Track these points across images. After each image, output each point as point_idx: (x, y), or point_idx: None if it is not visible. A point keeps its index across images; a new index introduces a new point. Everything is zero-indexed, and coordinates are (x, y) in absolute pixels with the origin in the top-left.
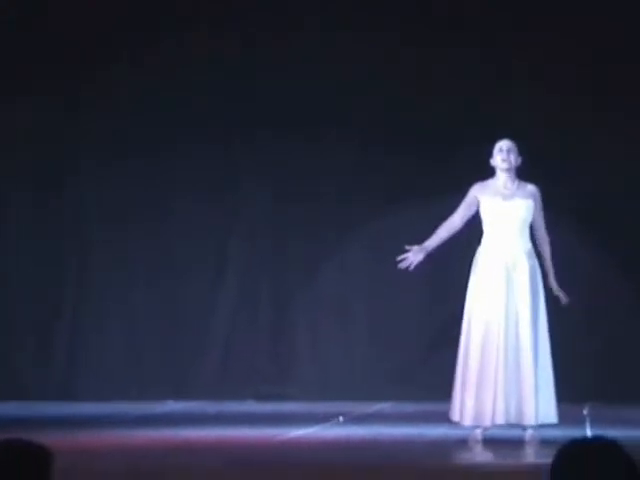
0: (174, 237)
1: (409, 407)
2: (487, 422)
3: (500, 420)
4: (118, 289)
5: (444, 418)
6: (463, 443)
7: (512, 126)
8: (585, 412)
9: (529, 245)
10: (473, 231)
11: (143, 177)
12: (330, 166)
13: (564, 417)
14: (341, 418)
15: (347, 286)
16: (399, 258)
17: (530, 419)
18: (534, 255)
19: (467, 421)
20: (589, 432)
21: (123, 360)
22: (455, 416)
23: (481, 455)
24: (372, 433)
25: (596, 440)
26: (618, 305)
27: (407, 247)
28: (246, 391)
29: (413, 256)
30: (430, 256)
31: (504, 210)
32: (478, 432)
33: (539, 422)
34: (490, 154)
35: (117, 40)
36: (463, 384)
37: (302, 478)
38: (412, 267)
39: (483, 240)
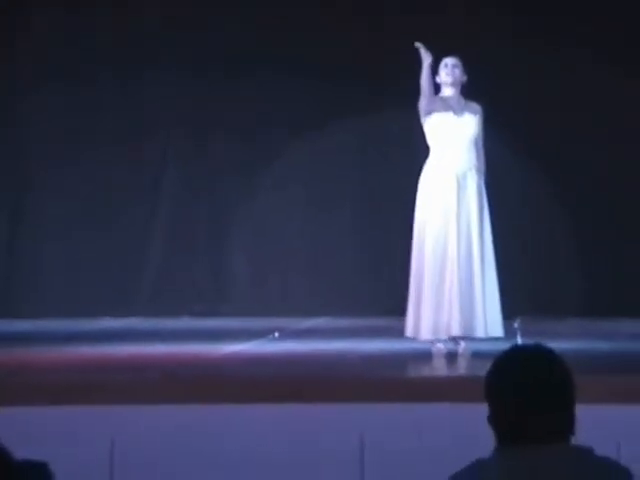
0: (110, 161)
1: (344, 322)
2: (443, 335)
3: (455, 332)
4: (55, 210)
5: (381, 333)
6: (401, 358)
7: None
8: (516, 325)
9: (476, 161)
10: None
11: (80, 106)
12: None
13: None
14: (277, 334)
15: (284, 203)
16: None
17: (480, 332)
18: (480, 171)
19: (424, 335)
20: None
21: (60, 279)
22: (409, 331)
23: (425, 368)
24: (308, 348)
25: (531, 347)
26: (548, 222)
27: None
28: (182, 308)
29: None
30: (373, 171)
31: (455, 125)
32: (441, 346)
33: (488, 335)
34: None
35: None
36: (418, 299)
37: (238, 392)
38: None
39: (432, 154)
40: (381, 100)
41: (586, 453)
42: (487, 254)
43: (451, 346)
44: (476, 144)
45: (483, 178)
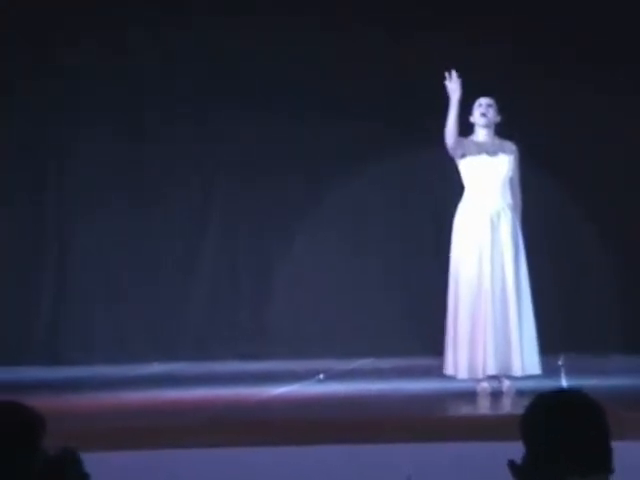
0: (153, 206)
1: (388, 363)
2: (480, 374)
3: (491, 371)
4: (100, 256)
5: (426, 372)
6: (447, 397)
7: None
8: (560, 363)
9: (510, 200)
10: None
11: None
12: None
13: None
14: (322, 376)
15: (321, 246)
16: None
17: (517, 370)
18: (515, 209)
19: (461, 374)
20: (564, 382)
21: (107, 326)
22: (449, 370)
23: (472, 407)
24: (353, 389)
25: (566, 391)
26: (590, 257)
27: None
28: (228, 352)
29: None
30: (408, 216)
31: (489, 166)
32: (486, 385)
33: (525, 373)
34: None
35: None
36: (455, 338)
37: (285, 435)
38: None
39: (466, 195)
40: (411, 138)
41: None
42: (523, 292)
43: (495, 385)
44: (511, 183)
45: (519, 216)
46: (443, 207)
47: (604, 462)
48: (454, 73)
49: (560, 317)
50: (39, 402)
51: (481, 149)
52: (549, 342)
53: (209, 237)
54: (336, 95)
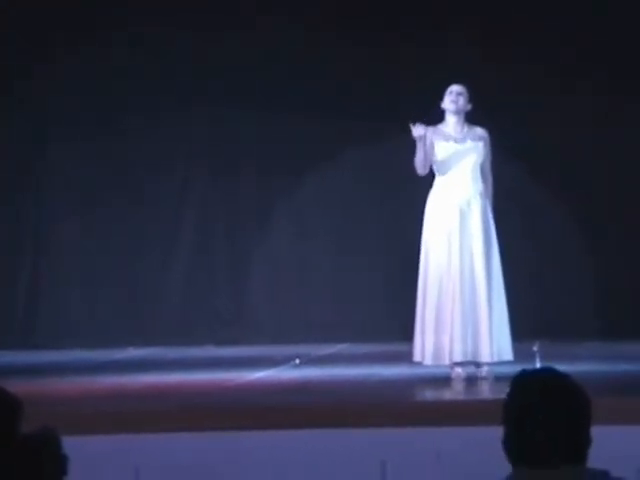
0: (129, 195)
1: (364, 348)
2: (446, 360)
3: (457, 357)
4: (77, 242)
5: (401, 357)
6: (420, 382)
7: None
8: (535, 349)
9: (481, 186)
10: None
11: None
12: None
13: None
14: (298, 360)
15: (301, 232)
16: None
17: (486, 356)
18: (485, 196)
19: (428, 360)
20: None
21: (83, 310)
22: (417, 356)
23: (444, 392)
24: (329, 374)
25: (546, 370)
26: (566, 244)
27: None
28: (205, 337)
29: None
30: (383, 202)
31: (457, 153)
32: (460, 371)
33: (495, 359)
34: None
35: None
36: (422, 325)
37: (260, 419)
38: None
39: (436, 183)
40: (389, 131)
41: (601, 476)
42: (494, 279)
43: (471, 370)
44: (482, 169)
45: (490, 203)
46: (423, 197)
47: (582, 448)
48: (418, 124)
49: (534, 303)
50: (15, 386)
51: (449, 137)
52: (524, 329)
53: (187, 223)
54: (318, 91)
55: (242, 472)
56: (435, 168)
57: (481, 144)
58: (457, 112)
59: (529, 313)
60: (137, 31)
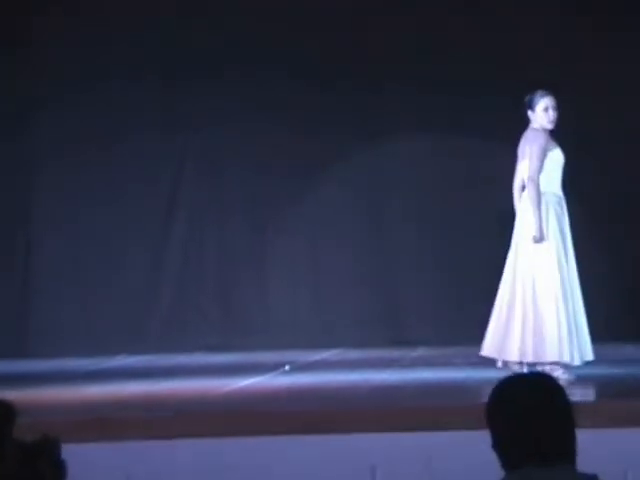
0: (120, 200)
1: (354, 354)
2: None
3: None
4: (68, 249)
5: (390, 363)
6: (409, 388)
7: None
8: None
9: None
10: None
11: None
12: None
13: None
14: (287, 367)
15: (291, 238)
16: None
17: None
18: None
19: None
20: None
21: (74, 318)
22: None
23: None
24: (318, 380)
25: (530, 375)
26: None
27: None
28: (194, 344)
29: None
30: (378, 208)
31: (561, 159)
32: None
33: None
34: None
35: None
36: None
37: (250, 425)
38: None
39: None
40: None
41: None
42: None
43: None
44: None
45: None
46: (411, 201)
47: (569, 449)
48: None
49: None
50: (7, 394)
51: (555, 144)
52: None
53: (176, 228)
54: (309, 87)
55: (233, 478)
56: (548, 172)
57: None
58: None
59: None
60: (120, 31)
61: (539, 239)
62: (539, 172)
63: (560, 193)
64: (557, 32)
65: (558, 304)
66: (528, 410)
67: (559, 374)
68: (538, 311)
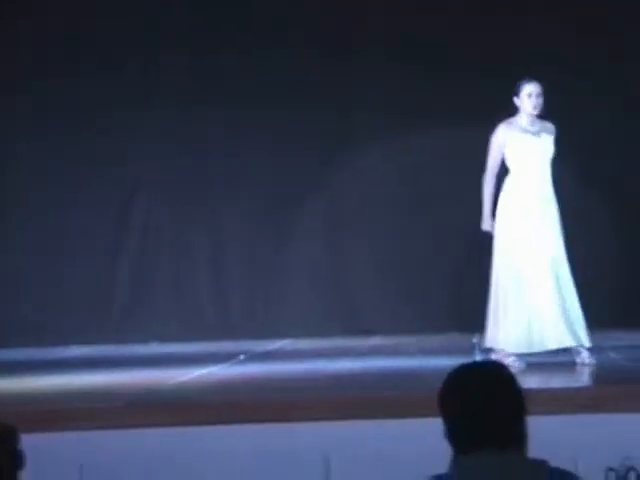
0: (78, 191)
1: (308, 343)
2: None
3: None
4: (20, 239)
5: (345, 352)
6: (363, 377)
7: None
8: (474, 341)
9: (551, 180)
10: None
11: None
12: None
13: (454, 347)
14: (242, 357)
15: (246, 227)
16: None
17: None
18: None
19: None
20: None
21: (24, 309)
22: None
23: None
24: (272, 369)
25: (481, 363)
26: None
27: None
28: (149, 334)
29: (489, 227)
30: (333, 200)
31: (534, 146)
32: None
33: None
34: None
35: None
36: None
37: (204, 415)
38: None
39: (511, 177)
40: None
41: (540, 464)
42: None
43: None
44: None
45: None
46: (369, 194)
47: (520, 435)
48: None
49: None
50: None
51: (525, 130)
52: (470, 321)
53: (133, 220)
54: (280, 85)
55: (185, 468)
56: (510, 163)
57: (553, 137)
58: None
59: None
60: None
61: (484, 227)
62: (489, 167)
63: (537, 179)
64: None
65: (501, 289)
66: (479, 397)
67: (509, 361)
68: (490, 297)
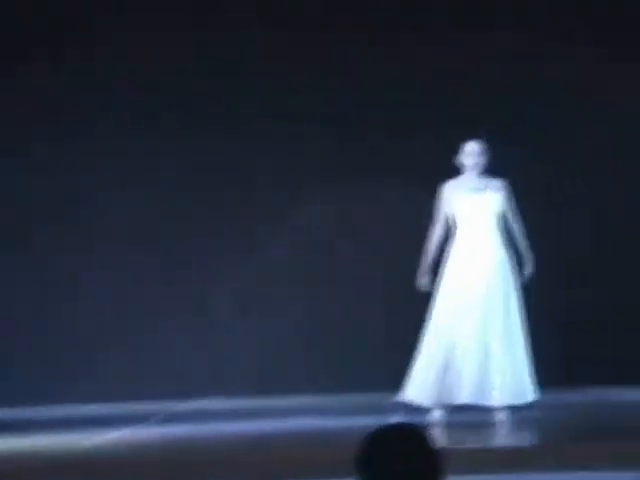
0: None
1: (226, 403)
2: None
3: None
4: None
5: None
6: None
7: None
8: (397, 399)
9: (499, 237)
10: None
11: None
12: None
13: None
14: (155, 419)
15: (170, 290)
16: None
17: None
18: (503, 246)
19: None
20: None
21: None
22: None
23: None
24: (188, 431)
25: (399, 426)
26: None
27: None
28: (65, 394)
29: (424, 285)
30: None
31: (477, 204)
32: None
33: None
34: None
35: None
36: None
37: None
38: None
39: (457, 235)
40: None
41: None
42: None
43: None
44: (509, 219)
45: (508, 251)
46: (321, 237)
47: None
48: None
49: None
50: None
51: (469, 189)
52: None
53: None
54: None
55: None
56: (456, 221)
57: (501, 194)
58: (478, 171)
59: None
60: None
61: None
62: (434, 225)
63: (481, 237)
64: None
65: (425, 345)
66: (394, 462)
67: (436, 416)
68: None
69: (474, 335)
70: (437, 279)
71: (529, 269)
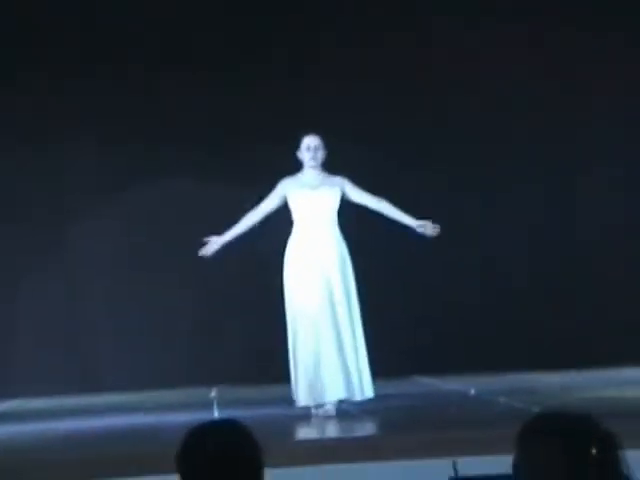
0: None
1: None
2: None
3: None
4: None
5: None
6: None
7: None
8: (212, 395)
9: (338, 232)
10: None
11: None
12: None
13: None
14: None
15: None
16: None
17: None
18: (342, 240)
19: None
20: (216, 414)
21: None
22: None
23: None
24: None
25: (218, 422)
26: None
27: (205, 239)
28: None
29: (210, 246)
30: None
31: (313, 200)
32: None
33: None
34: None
35: None
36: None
37: None
38: (208, 254)
39: (294, 231)
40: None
41: None
42: (356, 320)
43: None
44: (363, 201)
45: (346, 247)
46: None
47: None
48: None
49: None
50: None
51: (304, 185)
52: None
53: None
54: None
55: None
56: (293, 217)
57: (337, 189)
58: (316, 166)
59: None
60: None
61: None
62: (258, 208)
63: (318, 232)
64: None
65: (291, 342)
66: (214, 458)
67: (327, 408)
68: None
69: (329, 337)
70: (281, 276)
71: (411, 222)
